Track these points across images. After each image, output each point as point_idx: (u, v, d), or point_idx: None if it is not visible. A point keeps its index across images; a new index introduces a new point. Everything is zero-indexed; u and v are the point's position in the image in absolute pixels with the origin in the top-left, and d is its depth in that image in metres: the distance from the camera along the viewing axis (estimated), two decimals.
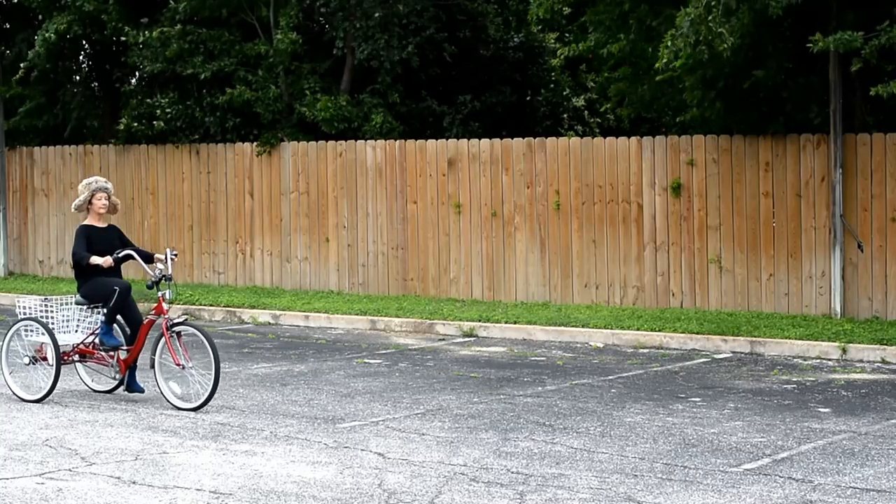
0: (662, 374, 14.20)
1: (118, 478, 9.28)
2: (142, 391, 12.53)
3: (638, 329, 16.73)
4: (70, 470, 9.52)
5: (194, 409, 11.82)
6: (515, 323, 17.59)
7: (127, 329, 12.42)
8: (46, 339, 12.32)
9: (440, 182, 20.13)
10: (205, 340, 11.86)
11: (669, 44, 16.00)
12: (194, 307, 19.80)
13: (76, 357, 12.57)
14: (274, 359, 15.51)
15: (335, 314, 18.87)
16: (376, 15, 21.78)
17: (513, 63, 24.59)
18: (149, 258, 12.43)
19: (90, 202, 12.49)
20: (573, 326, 17.18)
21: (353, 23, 22.19)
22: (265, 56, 22.32)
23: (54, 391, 12.43)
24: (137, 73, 25.06)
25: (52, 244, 24.23)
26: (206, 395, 11.80)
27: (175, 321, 12.05)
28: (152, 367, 12.10)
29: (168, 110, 22.61)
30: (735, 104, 18.01)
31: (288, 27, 21.85)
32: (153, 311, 12.19)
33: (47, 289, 22.15)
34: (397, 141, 20.72)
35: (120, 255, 12.26)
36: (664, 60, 16.29)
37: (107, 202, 12.52)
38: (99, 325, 12.45)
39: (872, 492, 8.88)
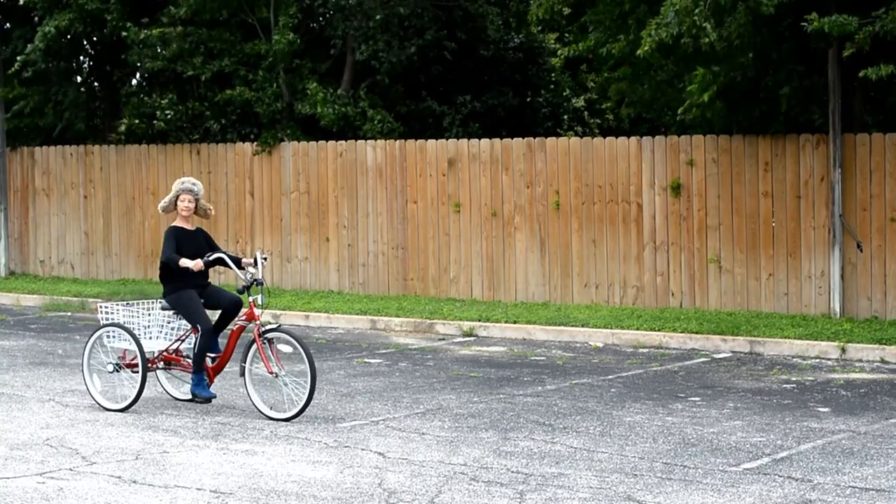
0: (662, 374, 14.22)
1: (119, 477, 9.29)
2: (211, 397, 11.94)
3: (638, 329, 16.74)
4: (71, 469, 9.54)
5: (287, 420, 11.32)
6: (515, 323, 17.61)
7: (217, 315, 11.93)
8: (131, 345, 11.81)
9: (440, 182, 20.14)
10: (299, 347, 11.36)
11: (653, 32, 15.95)
12: None
13: (160, 364, 12.03)
14: None
15: (335, 314, 18.88)
16: (377, 17, 21.78)
17: (513, 63, 24.59)
18: (237, 262, 11.96)
19: (175, 203, 12.12)
20: (573, 326, 17.19)
21: (353, 23, 22.20)
22: (265, 56, 22.33)
23: (139, 400, 11.92)
24: (137, 74, 25.07)
25: (53, 244, 24.24)
26: (302, 404, 11.31)
27: (268, 327, 11.64)
28: (242, 374, 11.69)
29: (168, 111, 22.61)
30: (736, 104, 18.02)
31: (286, 27, 21.85)
32: (244, 317, 11.78)
33: (48, 288, 22.17)
34: (397, 141, 20.73)
35: (210, 258, 11.83)
36: (645, 48, 16.24)
37: (191, 205, 12.03)
38: (183, 331, 12.01)
39: (872, 491, 8.90)
